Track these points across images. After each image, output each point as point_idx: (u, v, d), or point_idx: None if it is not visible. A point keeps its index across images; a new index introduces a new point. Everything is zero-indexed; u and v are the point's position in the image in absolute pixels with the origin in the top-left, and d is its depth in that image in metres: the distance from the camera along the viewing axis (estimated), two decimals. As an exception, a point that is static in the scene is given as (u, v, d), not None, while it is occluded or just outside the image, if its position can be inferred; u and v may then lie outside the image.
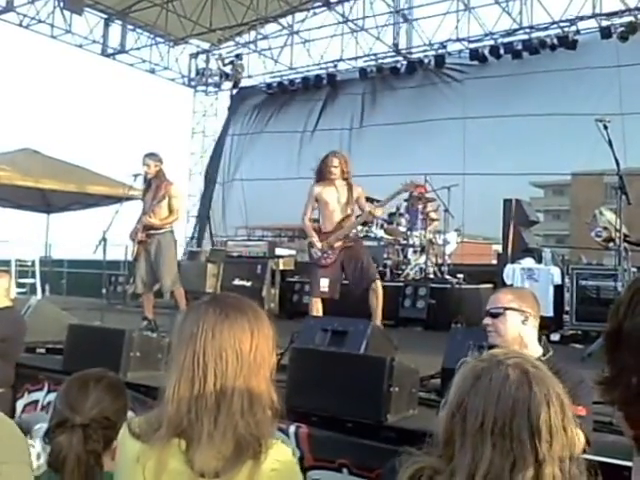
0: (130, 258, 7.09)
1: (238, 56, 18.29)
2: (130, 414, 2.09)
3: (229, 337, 1.45)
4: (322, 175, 6.11)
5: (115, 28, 17.93)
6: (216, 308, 1.49)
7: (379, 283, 6.01)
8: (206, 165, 20.07)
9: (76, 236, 16.63)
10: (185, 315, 1.54)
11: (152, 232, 6.46)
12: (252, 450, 1.41)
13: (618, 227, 5.61)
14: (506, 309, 2.57)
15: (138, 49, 18.39)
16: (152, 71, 19.14)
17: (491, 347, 2.48)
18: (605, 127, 5.28)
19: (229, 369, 1.43)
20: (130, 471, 1.46)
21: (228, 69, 18.14)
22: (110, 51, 18.03)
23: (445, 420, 1.28)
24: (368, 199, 8.39)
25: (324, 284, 5.96)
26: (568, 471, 1.21)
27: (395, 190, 6.32)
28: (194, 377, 1.43)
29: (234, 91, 19.64)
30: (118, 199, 8.36)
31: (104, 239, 6.54)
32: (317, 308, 5.95)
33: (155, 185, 6.47)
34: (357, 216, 6.18)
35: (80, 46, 17.48)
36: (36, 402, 4.39)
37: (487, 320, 2.62)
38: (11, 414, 4.29)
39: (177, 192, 6.64)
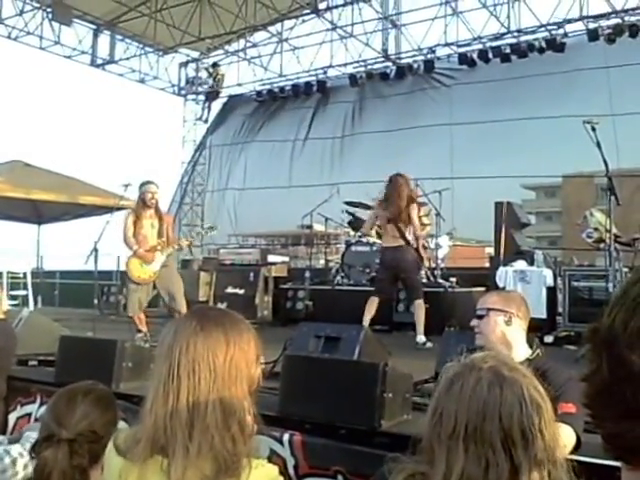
0: (122, 268, 7.18)
1: (215, 64, 18.22)
2: (122, 424, 2.07)
3: (203, 350, 1.43)
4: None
5: (104, 38, 17.94)
6: (193, 321, 1.48)
7: None
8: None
9: (68, 247, 16.57)
10: (167, 328, 1.53)
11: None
12: (232, 469, 1.38)
13: (608, 228, 5.63)
14: (489, 310, 2.62)
15: (127, 59, 18.39)
16: (142, 81, 19.12)
17: (480, 348, 2.49)
18: (593, 129, 5.28)
19: (202, 382, 1.41)
20: None
21: (212, 79, 18.15)
22: (99, 61, 18.02)
23: (425, 426, 1.27)
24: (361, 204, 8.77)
25: None
26: (548, 475, 1.18)
27: None
28: (169, 391, 1.41)
29: (212, 101, 19.59)
30: (109, 209, 8.36)
31: (95, 249, 6.55)
32: None
33: (151, 212, 6.69)
34: None
35: (69, 57, 17.46)
36: (29, 415, 4.35)
37: (474, 322, 2.68)
38: (3, 427, 4.26)
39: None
